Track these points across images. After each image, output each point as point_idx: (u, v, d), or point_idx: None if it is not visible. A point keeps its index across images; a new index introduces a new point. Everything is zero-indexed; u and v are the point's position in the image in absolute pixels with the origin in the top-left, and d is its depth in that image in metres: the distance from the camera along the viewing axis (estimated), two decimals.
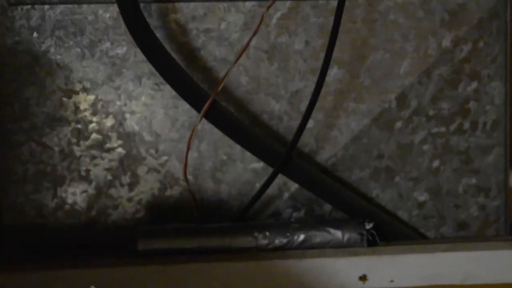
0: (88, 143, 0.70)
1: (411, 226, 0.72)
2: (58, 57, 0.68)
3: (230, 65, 0.66)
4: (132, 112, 0.69)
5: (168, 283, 0.64)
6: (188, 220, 0.69)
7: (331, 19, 0.64)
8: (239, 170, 0.71)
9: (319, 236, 0.66)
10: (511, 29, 0.70)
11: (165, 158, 0.70)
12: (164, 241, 0.66)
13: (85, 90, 0.69)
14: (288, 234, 0.66)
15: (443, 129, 0.71)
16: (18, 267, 0.65)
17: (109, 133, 0.70)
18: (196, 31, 0.68)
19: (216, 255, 0.65)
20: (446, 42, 0.70)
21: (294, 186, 0.71)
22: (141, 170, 0.70)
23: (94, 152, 0.70)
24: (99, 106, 0.69)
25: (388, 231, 0.70)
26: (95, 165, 0.70)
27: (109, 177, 0.70)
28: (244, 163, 0.71)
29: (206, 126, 0.68)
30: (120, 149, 0.70)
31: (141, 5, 0.64)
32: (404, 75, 0.70)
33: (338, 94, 0.70)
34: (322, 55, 0.64)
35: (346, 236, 0.67)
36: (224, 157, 0.71)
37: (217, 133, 0.68)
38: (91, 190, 0.70)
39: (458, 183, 0.72)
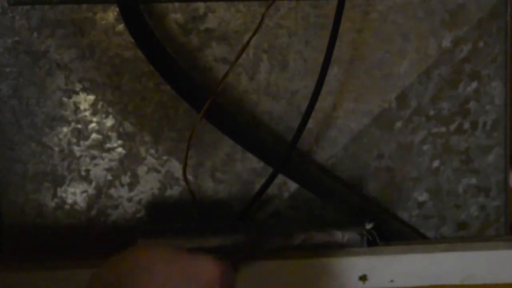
0: (88, 143, 0.70)
1: (411, 226, 0.72)
2: (58, 57, 0.68)
3: (230, 65, 0.66)
4: None
5: None
6: (188, 220, 0.69)
7: (331, 19, 0.64)
8: (239, 170, 0.71)
9: (319, 236, 0.66)
10: (511, 29, 0.70)
11: (165, 158, 0.70)
12: (164, 241, 0.66)
13: (85, 90, 0.69)
14: (288, 234, 0.66)
15: (443, 129, 0.71)
16: (18, 267, 0.65)
17: (109, 133, 0.70)
18: (196, 31, 0.68)
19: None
20: (446, 42, 0.70)
21: (294, 186, 0.71)
22: (141, 170, 0.70)
23: (94, 152, 0.70)
24: (99, 106, 0.69)
25: (388, 231, 0.70)
26: (95, 165, 0.70)
27: (109, 177, 0.70)
28: (244, 163, 0.71)
29: (206, 126, 0.68)
30: (120, 149, 0.70)
31: (141, 5, 0.64)
32: (404, 75, 0.70)
33: (338, 94, 0.70)
34: (322, 55, 0.64)
35: (346, 236, 0.67)
36: (224, 157, 0.71)
37: (217, 133, 0.68)
38: (91, 190, 0.70)
39: (458, 183, 0.72)
